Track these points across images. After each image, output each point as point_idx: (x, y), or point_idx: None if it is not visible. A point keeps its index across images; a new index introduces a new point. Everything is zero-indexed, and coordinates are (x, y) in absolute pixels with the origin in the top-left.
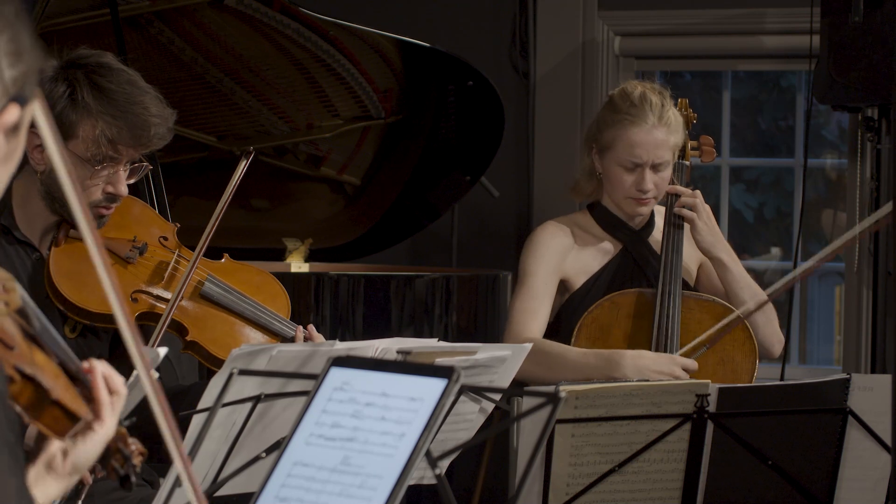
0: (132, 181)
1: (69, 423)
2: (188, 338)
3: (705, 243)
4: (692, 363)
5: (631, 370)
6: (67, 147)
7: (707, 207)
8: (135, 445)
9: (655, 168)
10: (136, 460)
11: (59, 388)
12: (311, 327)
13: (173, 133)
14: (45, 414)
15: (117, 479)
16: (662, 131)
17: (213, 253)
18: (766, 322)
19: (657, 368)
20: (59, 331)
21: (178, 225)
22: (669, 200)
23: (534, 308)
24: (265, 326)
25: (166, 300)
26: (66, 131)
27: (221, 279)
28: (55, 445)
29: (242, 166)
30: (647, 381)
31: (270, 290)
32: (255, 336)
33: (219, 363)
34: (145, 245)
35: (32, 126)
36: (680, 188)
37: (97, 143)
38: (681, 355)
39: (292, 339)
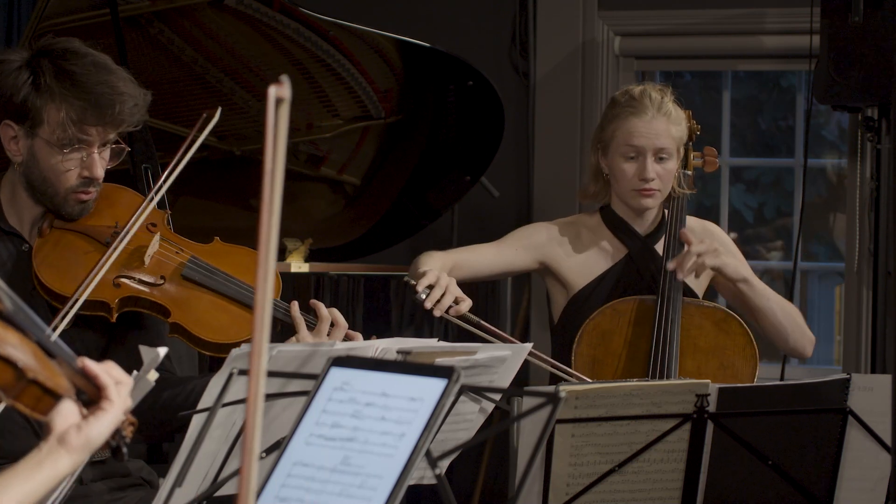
0: (112, 165)
1: (51, 401)
2: (170, 319)
3: (731, 274)
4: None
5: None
6: (38, 134)
7: (712, 243)
8: (124, 416)
9: (658, 158)
10: (127, 431)
11: (36, 367)
12: (294, 303)
13: (145, 111)
14: (24, 394)
15: (109, 450)
16: (662, 121)
17: (206, 238)
18: (795, 327)
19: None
20: (47, 323)
21: (169, 212)
22: (672, 212)
23: (466, 248)
24: (249, 305)
25: (149, 283)
26: (33, 118)
27: (208, 261)
28: (68, 421)
29: (202, 124)
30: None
31: None
32: (241, 316)
33: (203, 344)
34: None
35: (7, 119)
36: (674, 262)
37: (63, 126)
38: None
39: (281, 319)
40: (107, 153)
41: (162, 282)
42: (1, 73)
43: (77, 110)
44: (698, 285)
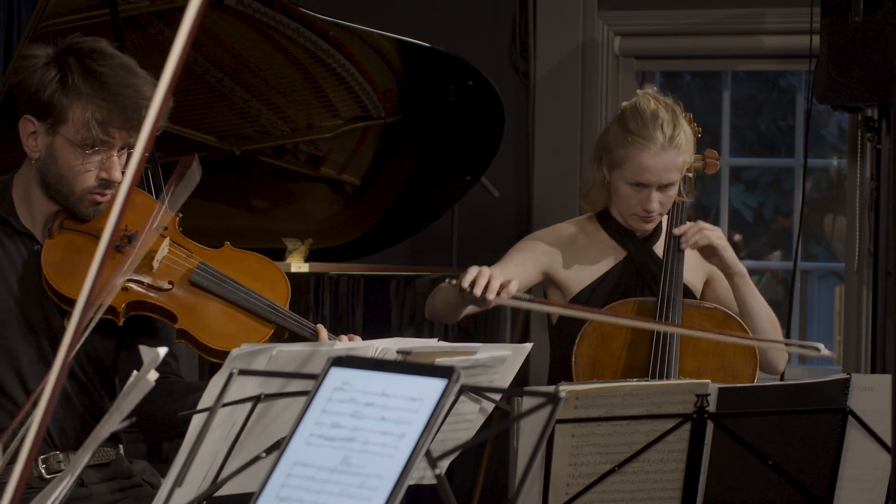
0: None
1: None
2: (177, 326)
3: (729, 261)
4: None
5: None
6: (59, 132)
7: (717, 228)
8: None
9: (662, 188)
10: None
11: None
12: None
13: (168, 117)
14: None
15: None
16: (672, 153)
17: (207, 239)
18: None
19: None
20: (58, 324)
21: (181, 214)
22: (672, 215)
23: None
24: (258, 314)
25: (157, 288)
26: (57, 115)
27: (217, 267)
28: None
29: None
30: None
31: (270, 277)
32: (249, 324)
33: (209, 351)
34: (135, 233)
35: (29, 114)
36: (682, 228)
37: (88, 126)
38: None
39: (286, 330)
40: (124, 157)
41: (170, 287)
42: (27, 69)
43: (103, 111)
44: (695, 284)
